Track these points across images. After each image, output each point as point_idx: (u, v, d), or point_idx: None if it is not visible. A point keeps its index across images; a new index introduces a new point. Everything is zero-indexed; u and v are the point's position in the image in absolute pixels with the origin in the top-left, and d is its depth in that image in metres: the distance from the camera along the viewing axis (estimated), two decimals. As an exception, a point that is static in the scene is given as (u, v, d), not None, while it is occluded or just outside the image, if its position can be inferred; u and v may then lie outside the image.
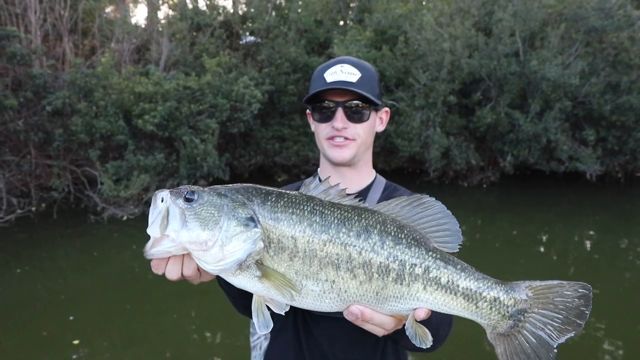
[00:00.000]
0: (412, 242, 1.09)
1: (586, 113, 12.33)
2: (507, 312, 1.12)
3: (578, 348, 5.31)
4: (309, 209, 1.06)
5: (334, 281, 1.05)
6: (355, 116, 1.57)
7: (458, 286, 1.11)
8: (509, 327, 1.14)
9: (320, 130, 1.63)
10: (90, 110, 10.69)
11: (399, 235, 1.09)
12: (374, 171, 1.74)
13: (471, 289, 1.12)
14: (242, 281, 1.04)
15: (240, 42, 14.30)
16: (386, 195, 1.65)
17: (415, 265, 1.08)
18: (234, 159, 12.65)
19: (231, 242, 0.99)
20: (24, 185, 11.00)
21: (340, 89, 1.53)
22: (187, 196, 1.02)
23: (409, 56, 12.64)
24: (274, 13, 14.46)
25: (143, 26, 14.04)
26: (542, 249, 9.03)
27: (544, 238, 9.54)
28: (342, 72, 1.55)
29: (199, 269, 1.10)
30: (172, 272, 1.07)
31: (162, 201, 1.03)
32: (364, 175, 1.70)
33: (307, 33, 14.07)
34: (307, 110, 1.73)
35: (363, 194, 1.65)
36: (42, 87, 10.59)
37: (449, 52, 11.73)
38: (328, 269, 1.04)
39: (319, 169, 1.77)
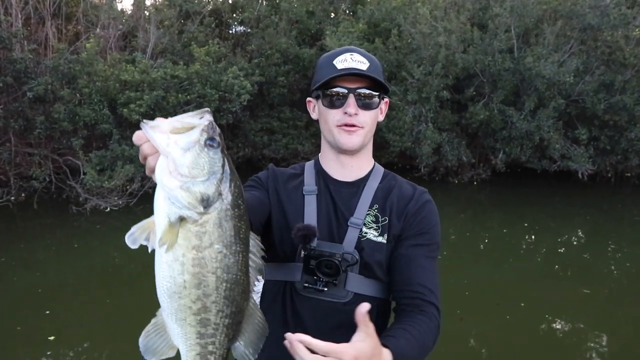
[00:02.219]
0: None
1: (579, 112, 12.26)
2: None
3: (565, 348, 5.23)
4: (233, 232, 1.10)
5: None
6: (365, 103, 1.57)
7: None
8: None
9: (330, 117, 1.59)
10: (73, 97, 10.35)
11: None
12: (373, 160, 1.73)
13: None
14: (162, 205, 1.05)
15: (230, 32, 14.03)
16: (384, 185, 1.65)
17: None
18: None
19: (187, 194, 1.03)
20: (2, 174, 10.63)
21: (353, 74, 1.53)
22: (209, 142, 1.05)
23: (402, 49, 12.46)
24: (264, 2, 14.19)
25: (129, 12, 13.67)
26: (531, 248, 8.95)
27: (534, 237, 9.46)
28: (352, 60, 1.55)
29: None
30: (146, 150, 1.07)
31: (200, 119, 1.06)
32: (364, 164, 1.69)
33: (298, 24, 13.82)
34: (308, 99, 1.71)
35: (362, 182, 1.65)
36: (23, 72, 10.21)
37: (444, 46, 11.56)
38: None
39: (319, 155, 1.74)
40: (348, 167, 1.66)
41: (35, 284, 6.75)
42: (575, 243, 9.42)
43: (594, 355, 5.09)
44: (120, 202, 10.16)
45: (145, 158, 1.09)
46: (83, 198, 10.08)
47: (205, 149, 1.05)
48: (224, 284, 1.09)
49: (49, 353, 4.99)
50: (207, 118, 1.06)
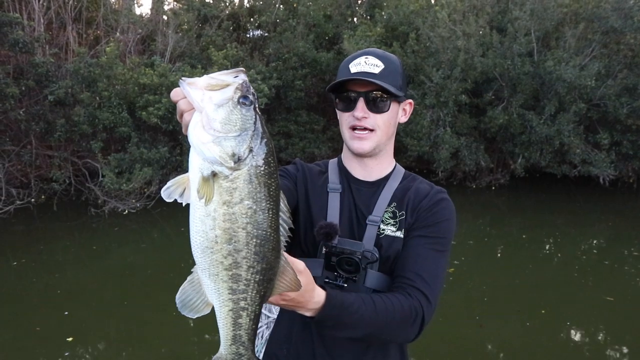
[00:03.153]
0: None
1: (601, 116, 12.04)
2: None
3: (586, 357, 5.12)
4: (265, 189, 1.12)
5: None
6: (375, 106, 1.59)
7: None
8: None
9: (344, 120, 1.65)
10: (93, 100, 10.48)
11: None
12: (394, 161, 1.78)
13: None
14: (195, 161, 1.09)
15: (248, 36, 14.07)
16: (404, 185, 1.68)
17: None
18: (238, 155, 12.41)
19: (219, 148, 1.06)
20: (23, 175, 10.79)
21: (362, 79, 1.56)
22: (242, 99, 1.08)
23: (420, 53, 12.37)
24: (282, 6, 14.21)
25: (148, 16, 13.80)
26: (551, 254, 8.79)
27: (554, 243, 9.30)
28: (365, 64, 1.59)
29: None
30: (182, 106, 1.11)
31: (235, 77, 1.09)
32: (384, 164, 1.73)
33: (315, 28, 13.81)
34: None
35: (382, 182, 1.69)
36: (45, 75, 10.37)
37: (463, 50, 11.45)
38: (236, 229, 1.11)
39: (342, 155, 1.79)
40: (369, 168, 1.70)
41: (54, 285, 6.82)
42: (596, 250, 9.24)
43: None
44: (138, 205, 10.23)
45: (181, 115, 1.13)
46: (101, 200, 10.17)
47: (239, 106, 1.08)
48: (254, 240, 1.11)
49: (67, 354, 5.02)
50: (242, 77, 1.10)
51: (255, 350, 1.78)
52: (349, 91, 1.60)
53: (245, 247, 1.10)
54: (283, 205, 1.17)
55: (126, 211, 10.11)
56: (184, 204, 1.15)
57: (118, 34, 12.41)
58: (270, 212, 1.12)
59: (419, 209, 1.60)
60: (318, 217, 1.59)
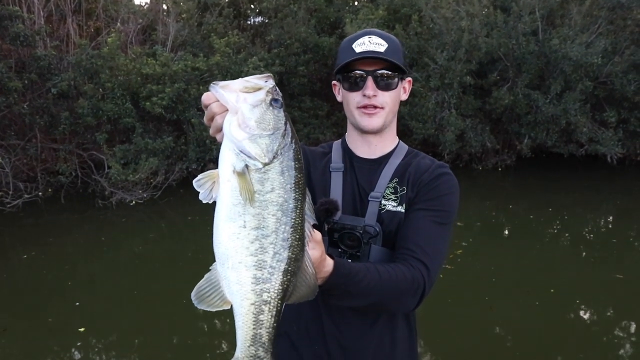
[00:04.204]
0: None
1: (607, 94, 11.91)
2: None
3: (596, 334, 5.12)
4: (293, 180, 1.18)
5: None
6: (384, 84, 1.62)
7: None
8: None
9: (351, 99, 1.67)
10: (96, 92, 10.46)
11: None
12: (397, 138, 1.80)
13: None
14: (228, 157, 1.14)
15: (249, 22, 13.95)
16: (406, 161, 1.70)
17: None
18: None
19: (255, 145, 1.13)
20: (30, 169, 10.82)
21: (370, 57, 1.59)
22: (273, 102, 1.16)
23: (423, 35, 12.24)
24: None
25: (148, 6, 13.70)
26: (559, 234, 8.77)
27: (561, 223, 9.27)
28: (370, 43, 1.61)
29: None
30: (215, 108, 1.17)
31: (266, 82, 1.17)
32: (388, 142, 1.75)
33: (317, 12, 13.67)
34: (333, 82, 1.78)
35: (384, 159, 1.72)
36: (47, 68, 10.36)
37: (467, 30, 11.32)
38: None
39: (346, 134, 1.82)
40: (372, 146, 1.72)
41: (65, 277, 6.88)
42: (603, 229, 9.21)
43: (625, 342, 4.99)
44: (145, 195, 10.26)
45: (211, 118, 1.19)
46: (108, 192, 10.20)
47: (271, 108, 1.16)
48: (283, 227, 1.14)
49: (79, 344, 5.08)
50: (272, 82, 1.18)
51: None
52: (356, 70, 1.61)
53: (274, 233, 1.13)
54: (309, 201, 1.20)
55: (133, 202, 10.15)
56: (210, 201, 1.18)
57: (119, 24, 12.34)
58: (299, 204, 1.16)
59: (419, 183, 1.61)
60: (321, 197, 1.60)
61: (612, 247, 7.83)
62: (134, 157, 10.37)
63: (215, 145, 10.86)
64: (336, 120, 13.23)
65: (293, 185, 1.16)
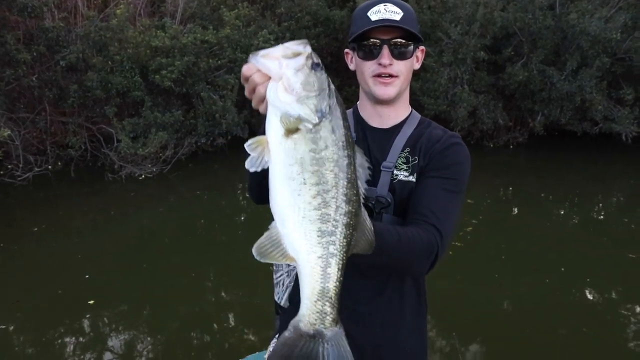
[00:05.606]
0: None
1: (625, 70, 11.60)
2: None
3: (605, 313, 5.09)
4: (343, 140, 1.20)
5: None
6: (399, 53, 1.61)
7: None
8: None
9: (366, 68, 1.66)
10: (105, 65, 10.37)
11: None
12: (410, 107, 1.79)
13: None
14: (275, 121, 1.16)
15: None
16: (418, 131, 1.70)
17: None
18: (252, 117, 12.29)
19: (303, 106, 1.15)
20: (40, 142, 10.84)
21: (386, 26, 1.58)
22: (314, 65, 1.18)
23: (436, 9, 11.98)
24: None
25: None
26: (570, 213, 8.67)
27: (573, 201, 9.16)
28: (386, 11, 1.60)
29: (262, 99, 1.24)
30: (257, 79, 1.19)
31: (305, 47, 1.18)
32: (400, 111, 1.75)
33: (328, -15, 13.41)
34: (346, 50, 1.77)
35: (397, 129, 1.72)
36: (55, 40, 10.26)
37: (482, 4, 11.04)
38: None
39: (358, 103, 1.82)
40: (385, 116, 1.73)
41: (75, 250, 6.92)
42: (616, 207, 9.10)
43: (637, 321, 4.95)
44: (154, 170, 10.26)
45: (253, 89, 1.21)
46: (118, 166, 10.21)
47: (313, 71, 1.18)
48: (342, 182, 1.18)
49: (88, 316, 5.12)
50: (309, 48, 1.20)
51: (277, 297, 1.91)
52: (372, 39, 1.61)
53: (334, 187, 1.17)
54: (360, 155, 1.24)
55: (142, 176, 10.15)
56: (258, 169, 1.18)
57: (127, -5, 12.16)
58: (352, 160, 1.20)
59: (431, 153, 1.62)
60: None
61: (624, 226, 7.73)
62: (143, 131, 10.33)
63: (225, 119, 10.81)
64: (346, 95, 13.03)
65: (344, 141, 1.19)
